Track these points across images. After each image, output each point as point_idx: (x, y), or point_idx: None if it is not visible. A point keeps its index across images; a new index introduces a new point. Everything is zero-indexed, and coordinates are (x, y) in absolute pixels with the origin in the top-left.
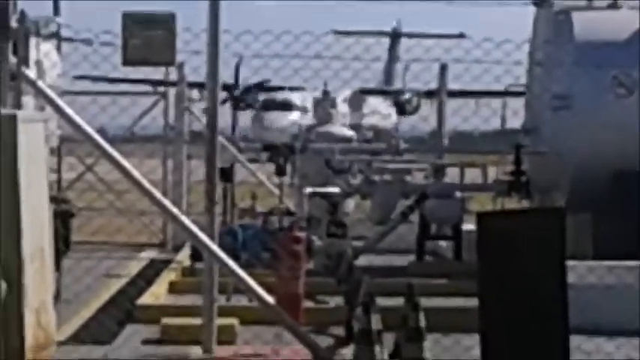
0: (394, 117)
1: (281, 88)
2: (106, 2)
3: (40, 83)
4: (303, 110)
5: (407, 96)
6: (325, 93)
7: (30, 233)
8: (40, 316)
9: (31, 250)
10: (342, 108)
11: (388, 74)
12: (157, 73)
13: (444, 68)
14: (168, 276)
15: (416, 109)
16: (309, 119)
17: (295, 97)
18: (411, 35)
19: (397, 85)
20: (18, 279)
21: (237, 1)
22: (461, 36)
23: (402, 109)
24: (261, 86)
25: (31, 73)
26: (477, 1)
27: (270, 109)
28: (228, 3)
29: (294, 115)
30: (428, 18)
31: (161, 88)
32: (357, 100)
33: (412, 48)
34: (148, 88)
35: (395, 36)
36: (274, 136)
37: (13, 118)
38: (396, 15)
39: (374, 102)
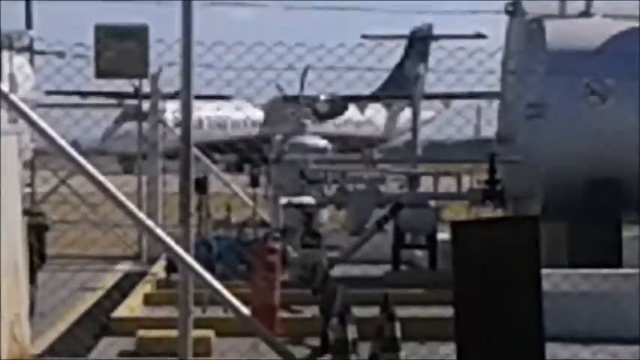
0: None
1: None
2: (78, 14)
3: (12, 96)
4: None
5: (320, 101)
6: (296, 102)
7: (4, 247)
8: (15, 330)
9: (5, 264)
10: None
11: (400, 77)
12: (129, 85)
13: (417, 78)
14: (143, 288)
15: (330, 115)
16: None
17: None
18: (432, 37)
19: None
20: None
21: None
22: (480, 36)
23: (316, 114)
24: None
25: (4, 86)
26: (451, 12)
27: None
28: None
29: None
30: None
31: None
32: (275, 106)
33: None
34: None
35: (414, 38)
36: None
37: None
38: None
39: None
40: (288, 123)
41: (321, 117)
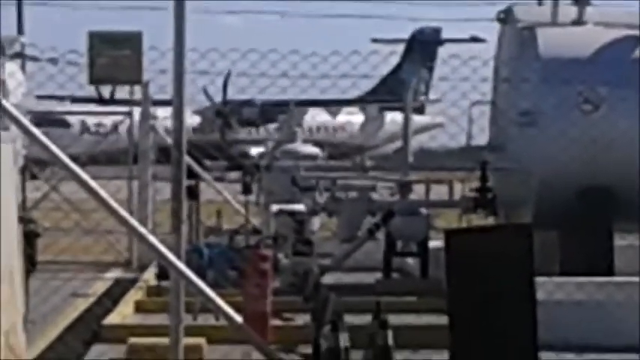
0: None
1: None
2: (71, 21)
3: (5, 103)
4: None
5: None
6: (289, 111)
7: (2, 255)
8: (11, 339)
9: (2, 272)
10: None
11: (393, 81)
12: (121, 91)
13: (409, 84)
14: (134, 295)
15: (258, 122)
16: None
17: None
18: (432, 42)
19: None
20: None
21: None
22: (478, 40)
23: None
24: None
25: None
26: (444, 19)
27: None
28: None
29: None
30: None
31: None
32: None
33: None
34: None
35: (414, 41)
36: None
37: None
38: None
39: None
40: (217, 129)
41: (245, 123)
